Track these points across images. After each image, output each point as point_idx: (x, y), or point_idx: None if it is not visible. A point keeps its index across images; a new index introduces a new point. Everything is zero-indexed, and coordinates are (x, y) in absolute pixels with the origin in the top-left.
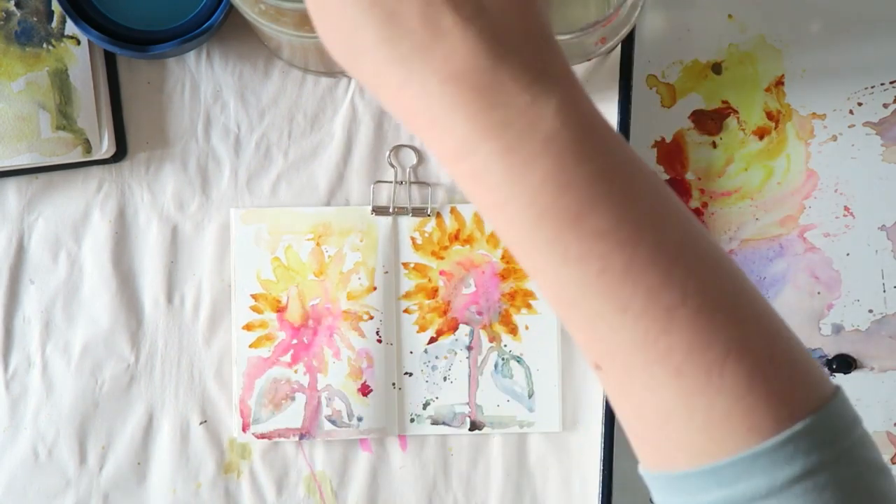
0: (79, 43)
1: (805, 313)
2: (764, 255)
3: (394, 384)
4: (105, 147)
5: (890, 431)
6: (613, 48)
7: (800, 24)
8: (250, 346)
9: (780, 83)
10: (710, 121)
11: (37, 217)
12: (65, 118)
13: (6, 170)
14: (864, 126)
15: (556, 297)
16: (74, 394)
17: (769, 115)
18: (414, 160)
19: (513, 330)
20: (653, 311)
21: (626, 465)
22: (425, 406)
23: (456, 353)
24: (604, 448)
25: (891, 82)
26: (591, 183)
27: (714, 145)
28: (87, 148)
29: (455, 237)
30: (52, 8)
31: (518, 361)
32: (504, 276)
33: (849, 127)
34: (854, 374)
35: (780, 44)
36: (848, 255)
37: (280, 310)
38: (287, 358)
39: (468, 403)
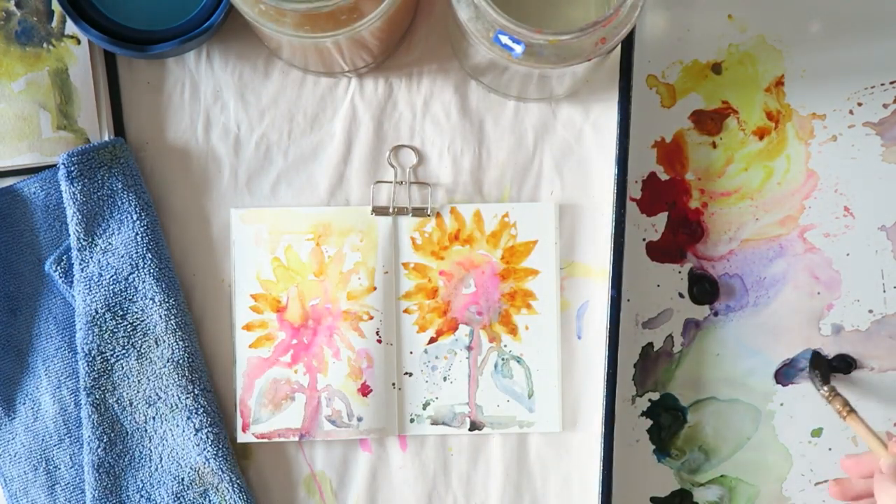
0: (79, 43)
1: (805, 313)
2: (764, 255)
3: (394, 384)
4: None
5: (890, 431)
6: (613, 48)
7: (800, 24)
8: (250, 346)
9: (780, 83)
10: (710, 121)
11: None
12: (65, 118)
13: (7, 169)
14: (864, 126)
15: None
16: None
17: (769, 115)
18: (414, 160)
19: (513, 330)
20: None
21: (627, 465)
22: (425, 406)
23: (456, 353)
24: (604, 448)
25: (891, 82)
26: None
27: (714, 145)
28: None
29: (455, 237)
30: (52, 8)
31: (518, 361)
32: (504, 276)
33: (849, 127)
34: (854, 374)
35: (780, 44)
36: (848, 255)
37: (280, 310)
38: (287, 358)
39: (468, 403)
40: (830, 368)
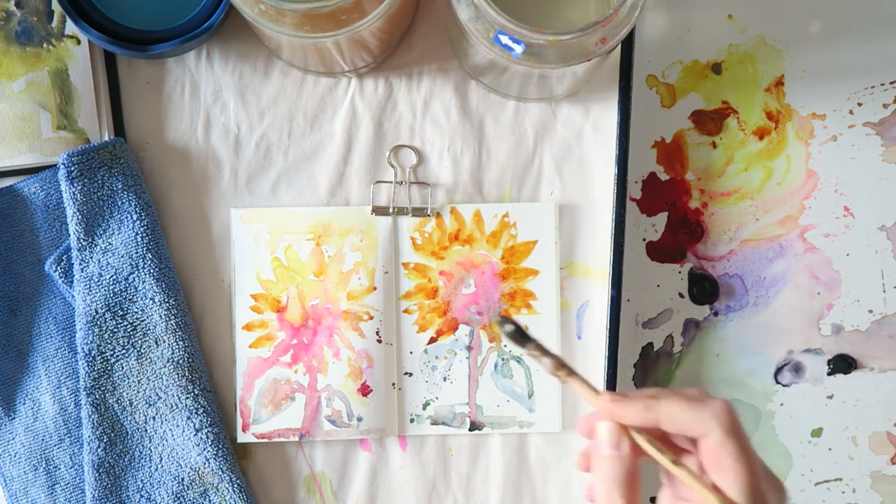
0: (79, 43)
1: (805, 313)
2: (764, 255)
3: (394, 384)
4: None
5: (890, 431)
6: (613, 48)
7: (800, 24)
8: (250, 346)
9: (780, 83)
10: (710, 121)
11: None
12: (65, 118)
13: (7, 170)
14: (864, 126)
15: None
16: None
17: (769, 115)
18: (414, 160)
19: None
20: None
21: None
22: (425, 406)
23: (456, 354)
24: None
25: (891, 82)
26: None
27: (714, 145)
28: None
29: (455, 237)
30: (52, 8)
31: (518, 361)
32: (504, 276)
33: (849, 127)
34: (854, 374)
35: (780, 44)
36: (848, 255)
37: (280, 310)
38: (287, 358)
39: (468, 403)
40: (830, 370)
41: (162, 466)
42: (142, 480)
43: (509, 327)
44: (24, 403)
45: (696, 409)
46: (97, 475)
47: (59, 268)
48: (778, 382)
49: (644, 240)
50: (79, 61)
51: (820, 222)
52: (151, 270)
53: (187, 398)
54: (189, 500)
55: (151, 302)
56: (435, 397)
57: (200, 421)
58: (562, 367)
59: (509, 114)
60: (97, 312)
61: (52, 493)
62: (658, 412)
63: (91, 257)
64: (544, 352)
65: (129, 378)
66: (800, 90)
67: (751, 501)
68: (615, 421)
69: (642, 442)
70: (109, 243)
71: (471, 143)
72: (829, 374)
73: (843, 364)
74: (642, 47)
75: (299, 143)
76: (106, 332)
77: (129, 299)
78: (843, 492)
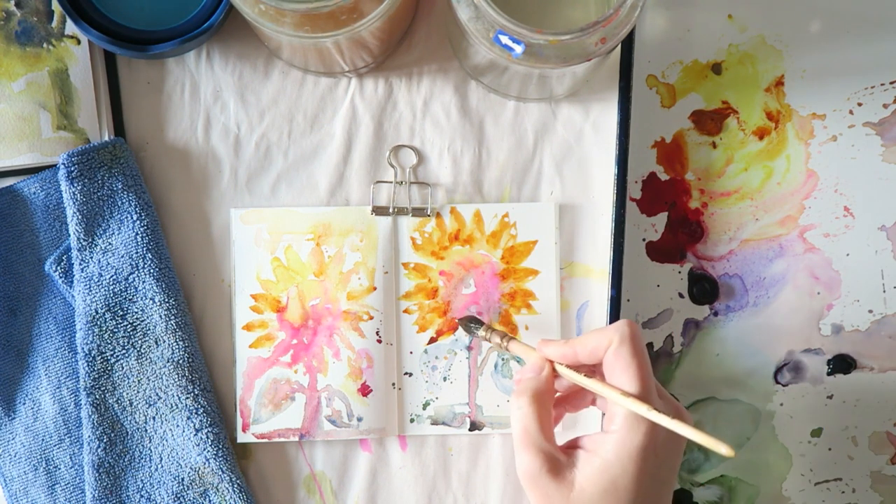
0: (79, 43)
1: (805, 313)
2: (764, 255)
3: (394, 384)
4: None
5: (890, 431)
6: (613, 48)
7: (800, 24)
8: (250, 346)
9: (780, 83)
10: (710, 121)
11: None
12: (65, 118)
13: (7, 170)
14: (864, 126)
15: None
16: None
17: (769, 116)
18: (414, 160)
19: (512, 330)
20: None
21: None
22: (425, 406)
23: (456, 354)
24: None
25: (891, 82)
26: None
27: (714, 145)
28: None
29: (455, 237)
30: (52, 8)
31: (518, 361)
32: (504, 277)
33: (849, 127)
34: (854, 374)
35: (780, 44)
36: (848, 255)
37: (280, 310)
38: (287, 358)
39: (468, 403)
40: (830, 369)
41: (162, 466)
42: (142, 480)
43: (467, 322)
44: (24, 403)
45: (602, 330)
46: (97, 475)
47: (59, 268)
48: (778, 382)
49: (644, 240)
50: (79, 61)
51: (820, 222)
52: (151, 270)
53: (187, 398)
54: (189, 500)
55: (151, 302)
56: (435, 397)
57: (200, 421)
58: (504, 336)
59: (509, 114)
60: (97, 312)
61: (52, 493)
62: (575, 343)
63: (91, 257)
64: (493, 330)
65: (129, 378)
66: (800, 90)
67: (640, 392)
68: (544, 357)
69: (561, 368)
70: (109, 243)
71: (471, 143)
72: (828, 374)
73: (843, 364)
74: (642, 47)
75: (299, 143)
76: (106, 332)
77: (129, 299)
78: (843, 492)
